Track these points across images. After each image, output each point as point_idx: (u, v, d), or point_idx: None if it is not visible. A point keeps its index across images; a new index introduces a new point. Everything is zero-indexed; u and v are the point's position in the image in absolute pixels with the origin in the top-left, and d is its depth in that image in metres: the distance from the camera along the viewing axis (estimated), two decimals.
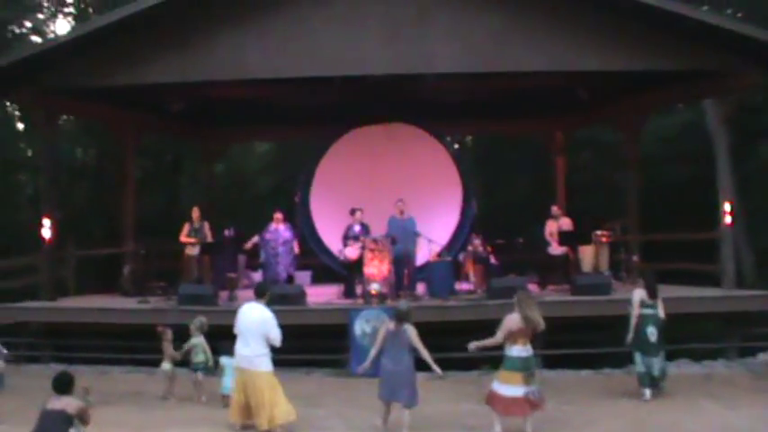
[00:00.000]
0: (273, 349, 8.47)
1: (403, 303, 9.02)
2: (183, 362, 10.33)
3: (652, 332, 9.72)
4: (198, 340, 10.12)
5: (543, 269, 14.29)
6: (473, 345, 8.29)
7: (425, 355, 8.33)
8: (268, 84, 13.91)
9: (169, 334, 10.40)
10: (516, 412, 8.14)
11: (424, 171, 16.62)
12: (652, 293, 9.86)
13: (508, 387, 8.14)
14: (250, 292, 9.38)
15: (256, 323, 8.36)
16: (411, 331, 8.32)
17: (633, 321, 9.78)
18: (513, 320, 8.24)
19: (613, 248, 14.33)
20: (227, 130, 19.28)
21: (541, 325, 8.27)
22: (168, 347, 10.32)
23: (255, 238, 14.01)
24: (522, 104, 16.98)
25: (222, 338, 9.75)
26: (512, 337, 8.20)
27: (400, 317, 8.39)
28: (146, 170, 23.19)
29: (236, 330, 8.55)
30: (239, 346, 8.44)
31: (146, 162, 22.86)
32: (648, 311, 9.78)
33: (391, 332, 8.40)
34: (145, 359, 11.61)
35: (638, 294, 9.87)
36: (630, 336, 9.80)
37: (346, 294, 13.50)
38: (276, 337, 8.32)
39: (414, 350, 8.33)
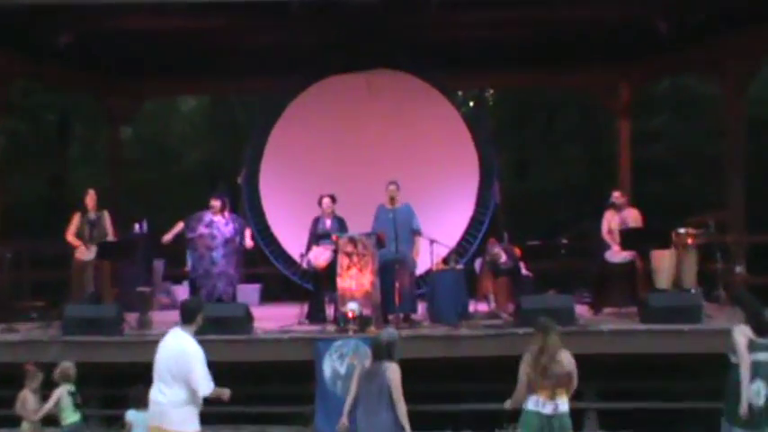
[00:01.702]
0: (204, 399, 8.43)
1: (386, 332, 9.00)
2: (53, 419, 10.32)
3: (759, 390, 9.09)
4: (64, 390, 10.11)
5: (598, 283, 14.29)
6: (509, 403, 8.30)
7: (400, 410, 8.35)
8: (200, 12, 13.85)
9: (38, 379, 10.39)
10: None
11: (424, 140, 16.66)
12: (760, 327, 9.18)
13: None
14: (171, 315, 9.35)
15: (174, 358, 8.31)
16: (391, 372, 8.32)
17: (745, 376, 9.01)
18: (526, 360, 8.30)
19: (705, 254, 14.36)
20: (139, 78, 19.17)
21: (559, 377, 8.19)
22: (29, 399, 10.33)
23: (179, 226, 13.90)
24: (570, 45, 16.95)
25: (129, 383, 9.71)
26: (530, 383, 8.24)
27: (379, 351, 8.40)
28: (16, 136, 23.07)
29: (154, 371, 8.51)
30: (154, 393, 8.39)
31: (16, 124, 22.74)
32: (759, 357, 9.09)
33: (367, 372, 8.41)
34: (8, 415, 11.49)
35: (742, 333, 9.14)
36: (744, 405, 9.03)
37: (311, 318, 13.51)
38: (200, 380, 8.10)
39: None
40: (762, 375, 9.04)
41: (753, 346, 9.08)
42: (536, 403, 8.19)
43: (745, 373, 9.00)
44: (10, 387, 11.03)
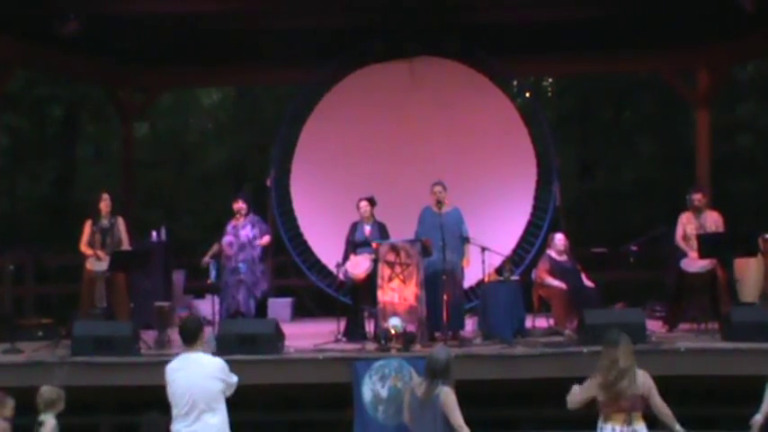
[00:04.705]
0: None
1: (440, 350, 9.06)
2: None
3: None
4: (47, 419, 10.03)
5: (673, 296, 14.25)
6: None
7: None
8: None
9: (9, 406, 10.39)
10: None
11: (474, 136, 16.73)
12: None
13: None
14: None
15: (206, 380, 8.38)
16: (445, 396, 8.37)
17: None
18: (593, 383, 8.31)
19: None
20: (154, 68, 19.31)
21: (633, 399, 8.22)
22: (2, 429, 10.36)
23: (216, 247, 14.06)
24: (640, 26, 16.92)
25: (144, 409, 9.80)
26: (601, 409, 8.26)
27: (434, 372, 8.44)
28: (18, 133, 23.28)
29: (173, 406, 8.57)
30: (180, 428, 8.45)
31: (18, 120, 22.95)
32: None
33: (419, 400, 8.45)
34: None
35: None
36: (762, 414, 9.47)
37: (348, 335, 13.57)
38: (234, 380, 8.48)
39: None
40: None
41: None
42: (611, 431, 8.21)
43: None
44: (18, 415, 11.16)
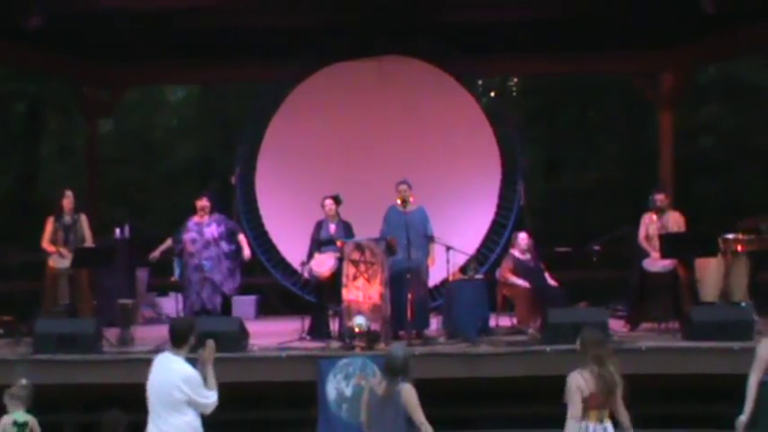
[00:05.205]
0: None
1: (398, 348, 9.05)
2: None
3: None
4: (20, 417, 9.87)
5: (635, 295, 14.28)
6: None
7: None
8: None
9: None
10: None
11: (440, 135, 16.74)
12: None
13: None
14: (156, 330, 9.33)
15: (169, 387, 8.29)
16: (406, 393, 8.36)
17: (752, 390, 9.25)
18: (579, 381, 8.27)
19: (757, 263, 14.34)
20: (119, 64, 19.22)
21: (619, 386, 8.29)
22: None
23: (168, 243, 14.02)
24: (606, 27, 16.94)
25: (108, 408, 9.74)
26: (583, 407, 8.24)
27: (394, 370, 8.43)
28: None
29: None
30: (150, 427, 8.38)
31: None
32: None
33: (379, 398, 8.44)
34: None
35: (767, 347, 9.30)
36: (746, 415, 9.29)
37: (313, 333, 13.56)
38: (206, 401, 8.11)
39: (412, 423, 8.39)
40: None
41: None
42: (589, 428, 8.18)
43: (752, 385, 9.18)
44: None
